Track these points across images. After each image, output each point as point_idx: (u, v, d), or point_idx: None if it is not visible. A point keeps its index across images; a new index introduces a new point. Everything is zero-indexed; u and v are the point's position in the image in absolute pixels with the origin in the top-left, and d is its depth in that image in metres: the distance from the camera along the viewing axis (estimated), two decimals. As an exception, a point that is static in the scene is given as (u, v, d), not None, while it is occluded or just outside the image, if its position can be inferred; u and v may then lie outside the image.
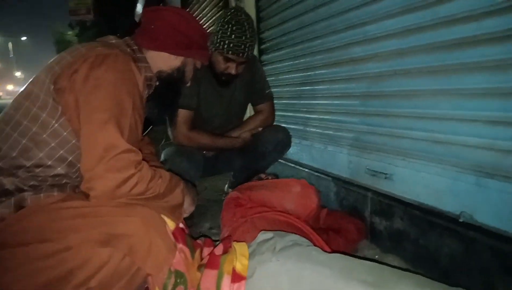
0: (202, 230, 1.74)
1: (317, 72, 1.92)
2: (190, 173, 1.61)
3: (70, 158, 0.93)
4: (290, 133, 1.91)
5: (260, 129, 1.86)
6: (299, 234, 1.07)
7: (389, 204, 1.39)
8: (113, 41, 1.07)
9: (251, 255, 0.98)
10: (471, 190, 1.12)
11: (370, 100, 1.53)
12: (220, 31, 1.59)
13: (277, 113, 2.00)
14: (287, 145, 1.91)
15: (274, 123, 1.97)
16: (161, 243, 0.89)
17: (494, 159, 1.06)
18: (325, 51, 1.81)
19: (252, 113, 2.03)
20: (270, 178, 1.64)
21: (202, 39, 1.21)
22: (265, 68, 2.43)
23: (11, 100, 0.99)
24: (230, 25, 1.57)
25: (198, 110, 1.77)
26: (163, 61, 1.14)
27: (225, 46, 1.58)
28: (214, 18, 3.83)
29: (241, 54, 1.60)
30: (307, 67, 2.00)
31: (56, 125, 0.90)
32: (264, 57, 2.55)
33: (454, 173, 1.17)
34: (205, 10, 4.16)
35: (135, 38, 1.13)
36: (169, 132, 1.83)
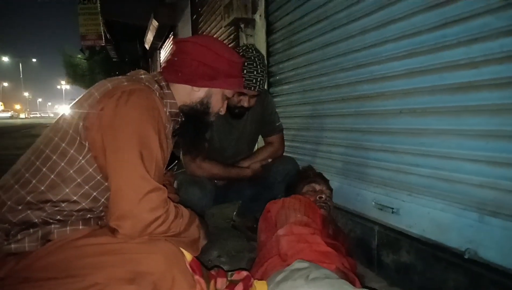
0: (210, 258, 1.77)
1: (325, 106, 2.00)
2: (202, 202, 1.67)
3: (95, 194, 0.95)
4: (299, 165, 1.97)
5: (269, 160, 1.93)
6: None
7: (396, 238, 1.43)
8: (142, 76, 1.06)
9: (284, 279, 1.01)
10: (474, 227, 1.16)
11: (377, 136, 1.60)
12: None
13: (285, 143, 2.06)
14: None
15: (284, 154, 2.03)
16: (183, 280, 0.91)
17: (496, 198, 1.11)
18: (333, 87, 1.90)
19: (262, 144, 2.10)
20: None
21: (230, 66, 1.13)
22: (274, 99, 2.51)
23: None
24: None
25: (211, 141, 1.84)
26: (186, 94, 1.11)
27: None
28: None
29: (252, 88, 1.69)
30: (316, 101, 2.08)
31: (82, 161, 0.91)
32: (273, 90, 2.64)
33: (458, 210, 1.22)
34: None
35: (162, 73, 1.11)
36: (182, 161, 1.89)
